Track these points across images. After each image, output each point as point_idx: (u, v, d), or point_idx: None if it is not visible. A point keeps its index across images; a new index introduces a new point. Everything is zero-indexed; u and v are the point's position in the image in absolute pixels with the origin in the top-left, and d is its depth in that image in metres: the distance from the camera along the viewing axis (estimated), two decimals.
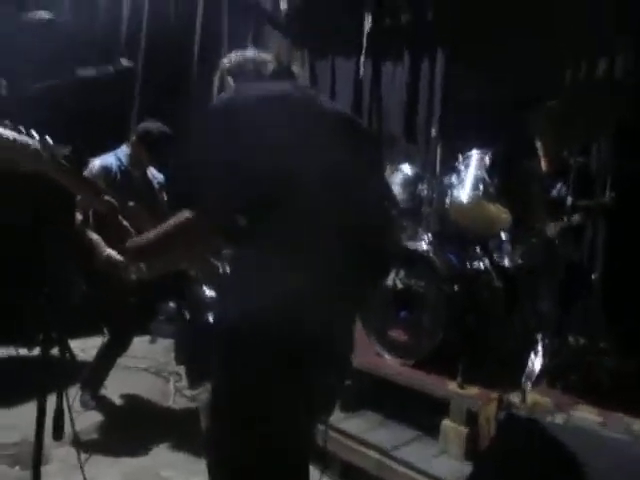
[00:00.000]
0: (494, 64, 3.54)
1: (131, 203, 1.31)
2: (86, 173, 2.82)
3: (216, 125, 1.24)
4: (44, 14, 3.37)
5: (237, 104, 1.27)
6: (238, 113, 1.23)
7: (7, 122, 1.15)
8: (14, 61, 3.23)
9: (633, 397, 2.36)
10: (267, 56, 1.49)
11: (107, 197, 1.30)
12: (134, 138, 3.03)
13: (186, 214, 1.19)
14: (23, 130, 1.17)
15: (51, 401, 1.73)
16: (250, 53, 1.50)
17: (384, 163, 1.50)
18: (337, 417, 2.60)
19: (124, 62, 1.62)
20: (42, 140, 1.19)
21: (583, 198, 2.87)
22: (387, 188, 1.55)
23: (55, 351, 1.87)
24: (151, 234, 1.26)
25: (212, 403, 1.29)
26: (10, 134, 1.15)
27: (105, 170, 2.93)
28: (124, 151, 3.05)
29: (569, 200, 2.73)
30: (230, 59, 1.49)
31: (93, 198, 1.30)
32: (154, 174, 3.21)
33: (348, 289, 1.26)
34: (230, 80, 1.45)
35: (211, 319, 1.38)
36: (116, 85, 1.58)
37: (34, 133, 1.17)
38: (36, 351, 3.44)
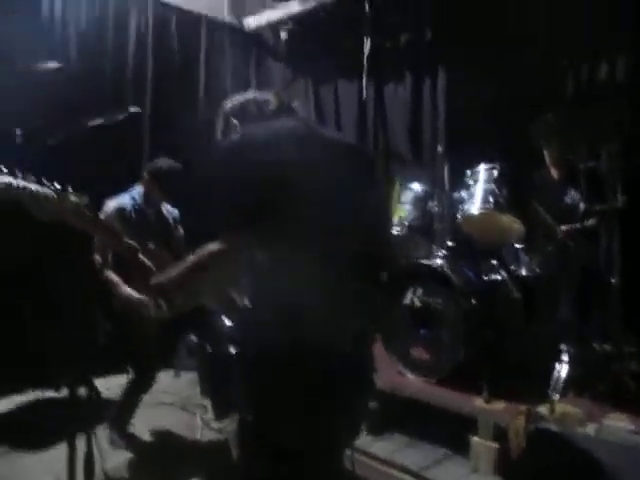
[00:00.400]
0: (495, 76, 3.57)
1: (151, 245, 1.35)
2: (101, 214, 2.88)
3: (229, 162, 1.30)
4: (53, 64, 3.48)
5: (245, 142, 1.33)
6: (248, 150, 1.29)
7: (32, 177, 1.23)
8: (27, 111, 3.34)
9: None
10: (267, 95, 1.53)
11: (127, 240, 1.34)
12: (145, 175, 3.10)
13: (209, 248, 1.23)
14: (45, 182, 1.23)
15: (81, 442, 1.73)
16: (250, 94, 1.56)
17: (383, 184, 1.58)
18: (364, 440, 2.59)
19: (132, 108, 1.68)
20: (63, 190, 1.25)
21: (596, 203, 2.87)
22: (385, 208, 1.63)
23: (82, 392, 1.89)
24: (174, 270, 1.29)
25: (239, 434, 1.31)
26: (33, 187, 1.22)
27: (119, 210, 2.98)
28: (137, 190, 3.12)
29: (582, 206, 2.72)
30: (232, 102, 1.54)
31: (112, 241, 1.34)
32: (169, 210, 3.27)
33: (363, 308, 1.30)
34: (234, 121, 1.50)
35: (232, 350, 1.40)
36: (126, 130, 1.63)
37: (56, 185, 1.24)
38: (63, 392, 3.48)
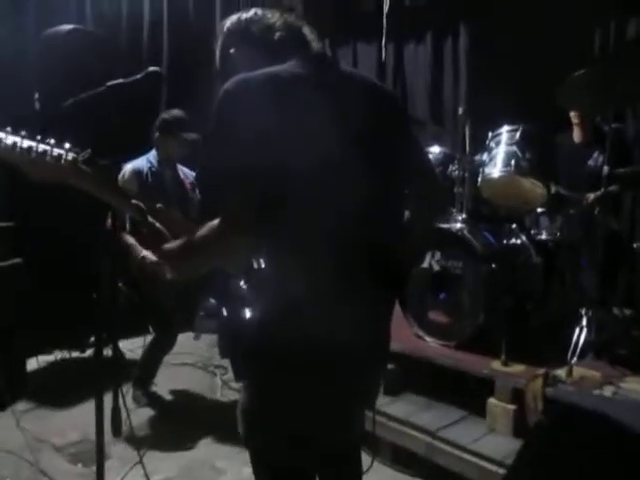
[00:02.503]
0: (519, 36, 3.46)
1: (159, 205, 1.27)
2: (119, 178, 2.90)
3: (220, 137, 1.13)
4: (66, 27, 3.45)
5: (246, 92, 1.12)
6: (240, 121, 1.10)
7: (38, 137, 1.16)
8: (44, 75, 3.34)
9: None
10: (273, 16, 1.29)
11: (134, 201, 1.25)
12: (155, 132, 3.10)
13: (219, 221, 1.11)
14: (51, 142, 1.16)
15: (106, 400, 1.79)
16: (251, 13, 1.30)
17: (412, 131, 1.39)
18: (382, 401, 2.63)
19: (151, 68, 1.66)
20: (74, 153, 1.17)
21: (620, 166, 2.80)
22: (424, 155, 1.48)
23: (107, 352, 1.94)
24: (184, 242, 1.19)
25: (242, 403, 1.27)
26: (40, 147, 1.15)
27: (136, 173, 3.00)
28: (153, 153, 3.13)
29: (606, 169, 2.65)
30: (230, 24, 1.31)
31: (120, 202, 1.27)
32: (186, 173, 3.27)
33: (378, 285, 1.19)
34: (231, 50, 1.30)
35: (247, 314, 1.37)
36: (145, 90, 1.61)
37: (67, 147, 1.16)
38: (88, 353, 3.58)
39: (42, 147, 1.15)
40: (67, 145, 1.16)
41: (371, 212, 1.15)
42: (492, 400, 2.42)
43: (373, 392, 1.40)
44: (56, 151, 1.15)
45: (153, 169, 3.09)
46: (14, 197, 3.36)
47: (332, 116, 1.11)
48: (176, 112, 3.15)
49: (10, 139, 1.14)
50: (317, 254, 1.10)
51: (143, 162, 3.09)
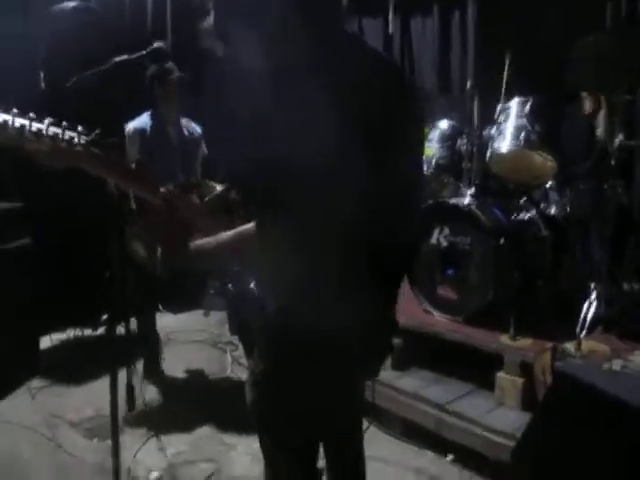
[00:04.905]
0: (527, 7, 3.39)
1: (171, 188, 1.21)
2: (126, 138, 2.85)
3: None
4: (72, 3, 3.42)
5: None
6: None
7: (49, 119, 1.10)
8: (49, 53, 3.31)
9: None
10: None
11: (161, 189, 1.19)
12: (155, 85, 2.95)
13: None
14: (65, 125, 1.10)
15: (121, 376, 1.81)
16: None
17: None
18: (390, 375, 2.66)
19: (156, 43, 1.64)
20: (84, 135, 1.11)
21: (630, 138, 2.76)
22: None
23: (119, 330, 1.97)
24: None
25: (252, 375, 1.28)
26: (37, 126, 1.08)
27: (139, 132, 2.91)
28: (148, 113, 3.03)
29: (617, 141, 2.62)
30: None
31: (131, 185, 1.23)
32: (190, 128, 3.17)
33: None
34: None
35: (253, 289, 1.36)
36: (150, 65, 1.59)
37: (79, 129, 1.11)
38: (100, 331, 3.63)
39: (52, 130, 1.09)
40: (79, 128, 1.11)
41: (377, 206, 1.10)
42: (501, 374, 2.44)
43: (376, 369, 1.41)
44: (68, 134, 1.10)
45: (156, 126, 2.99)
46: (22, 176, 3.37)
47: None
48: (167, 65, 2.91)
49: (18, 122, 1.08)
50: (323, 246, 1.08)
51: (146, 119, 2.99)
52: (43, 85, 3.26)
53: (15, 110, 1.10)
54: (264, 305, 1.23)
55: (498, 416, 2.34)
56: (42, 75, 3.19)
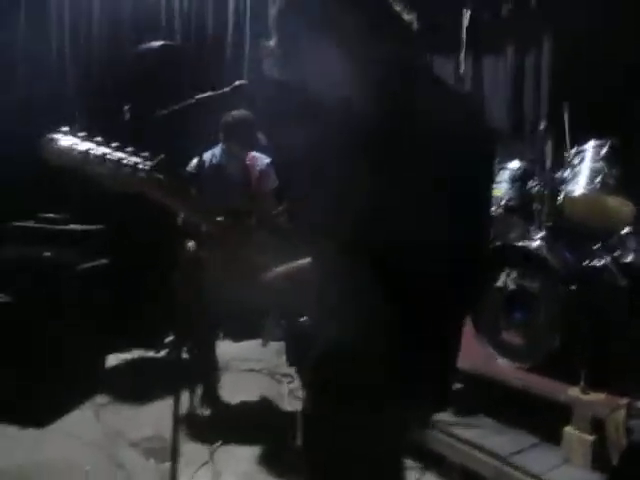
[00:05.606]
0: (603, 45, 3.30)
1: (219, 218, 1.20)
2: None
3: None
4: (157, 43, 3.65)
5: None
6: None
7: (115, 143, 1.12)
8: (135, 88, 3.54)
9: None
10: None
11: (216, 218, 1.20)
12: (219, 131, 3.13)
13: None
14: (130, 151, 1.12)
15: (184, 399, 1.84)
16: None
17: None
18: (451, 422, 2.56)
19: (237, 82, 1.72)
20: (150, 162, 1.12)
21: None
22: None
23: (183, 353, 2.01)
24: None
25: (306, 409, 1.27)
26: (115, 156, 1.10)
27: (198, 164, 3.04)
28: (219, 147, 3.18)
29: None
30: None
31: (194, 215, 1.23)
32: (257, 161, 3.24)
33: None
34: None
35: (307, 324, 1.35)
36: (232, 103, 1.66)
37: (146, 157, 1.12)
38: (162, 353, 3.73)
39: (117, 155, 1.10)
40: (145, 154, 1.12)
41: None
42: (569, 429, 2.30)
43: (426, 419, 1.36)
44: (132, 159, 1.11)
45: (214, 161, 3.12)
46: (99, 197, 3.56)
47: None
48: (239, 115, 3.09)
49: (84, 145, 1.10)
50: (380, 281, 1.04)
51: (209, 154, 3.12)
52: (127, 117, 3.47)
53: (81, 133, 1.12)
54: (316, 339, 1.22)
55: (563, 473, 2.20)
56: (127, 107, 3.40)
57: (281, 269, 1.21)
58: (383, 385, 1.07)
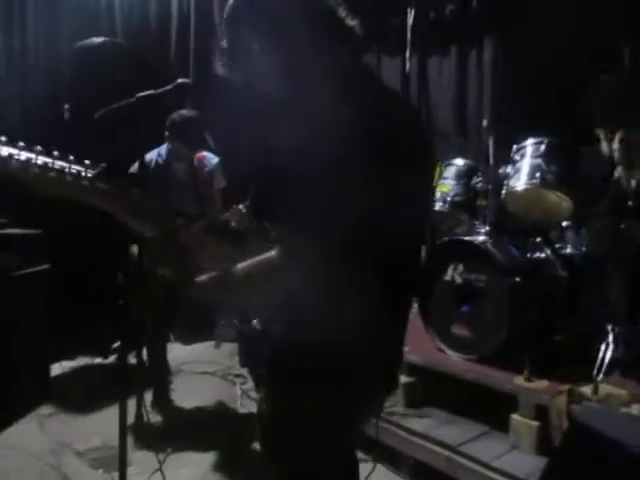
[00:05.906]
0: (544, 47, 3.43)
1: (178, 222, 1.21)
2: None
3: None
4: (98, 39, 3.54)
5: None
6: None
7: (56, 153, 1.11)
8: (75, 86, 3.42)
9: None
10: None
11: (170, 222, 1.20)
12: (165, 131, 3.08)
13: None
14: (69, 157, 1.11)
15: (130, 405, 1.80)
16: None
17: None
18: (403, 415, 2.60)
19: (179, 79, 1.69)
20: (92, 169, 1.12)
21: None
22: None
23: (130, 359, 1.97)
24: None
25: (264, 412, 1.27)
26: (43, 160, 1.09)
27: (141, 165, 2.97)
28: (166, 146, 3.12)
29: (633, 183, 2.61)
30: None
31: (135, 222, 1.22)
32: (206, 161, 3.21)
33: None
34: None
35: (258, 325, 1.36)
36: (174, 100, 1.63)
37: (87, 164, 1.11)
38: (110, 359, 3.63)
39: (59, 164, 1.10)
40: (86, 162, 1.11)
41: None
42: (515, 416, 2.38)
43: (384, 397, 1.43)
44: (74, 168, 1.10)
45: (160, 161, 3.08)
46: (39, 202, 3.43)
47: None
48: (186, 114, 3.08)
49: (23, 155, 1.08)
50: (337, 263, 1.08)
51: (153, 154, 3.08)
52: (67, 116, 3.35)
53: (21, 143, 1.10)
54: (270, 335, 1.23)
55: (512, 460, 2.27)
56: (66, 106, 3.28)
57: (234, 269, 1.20)
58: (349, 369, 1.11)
